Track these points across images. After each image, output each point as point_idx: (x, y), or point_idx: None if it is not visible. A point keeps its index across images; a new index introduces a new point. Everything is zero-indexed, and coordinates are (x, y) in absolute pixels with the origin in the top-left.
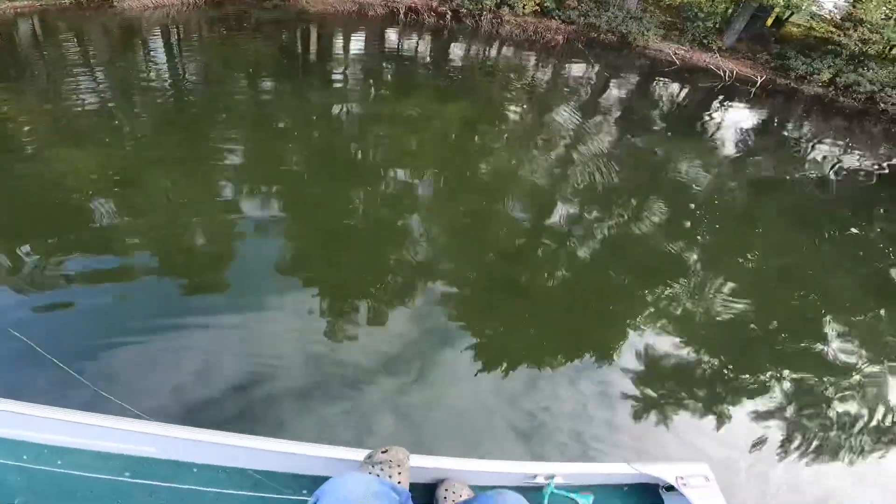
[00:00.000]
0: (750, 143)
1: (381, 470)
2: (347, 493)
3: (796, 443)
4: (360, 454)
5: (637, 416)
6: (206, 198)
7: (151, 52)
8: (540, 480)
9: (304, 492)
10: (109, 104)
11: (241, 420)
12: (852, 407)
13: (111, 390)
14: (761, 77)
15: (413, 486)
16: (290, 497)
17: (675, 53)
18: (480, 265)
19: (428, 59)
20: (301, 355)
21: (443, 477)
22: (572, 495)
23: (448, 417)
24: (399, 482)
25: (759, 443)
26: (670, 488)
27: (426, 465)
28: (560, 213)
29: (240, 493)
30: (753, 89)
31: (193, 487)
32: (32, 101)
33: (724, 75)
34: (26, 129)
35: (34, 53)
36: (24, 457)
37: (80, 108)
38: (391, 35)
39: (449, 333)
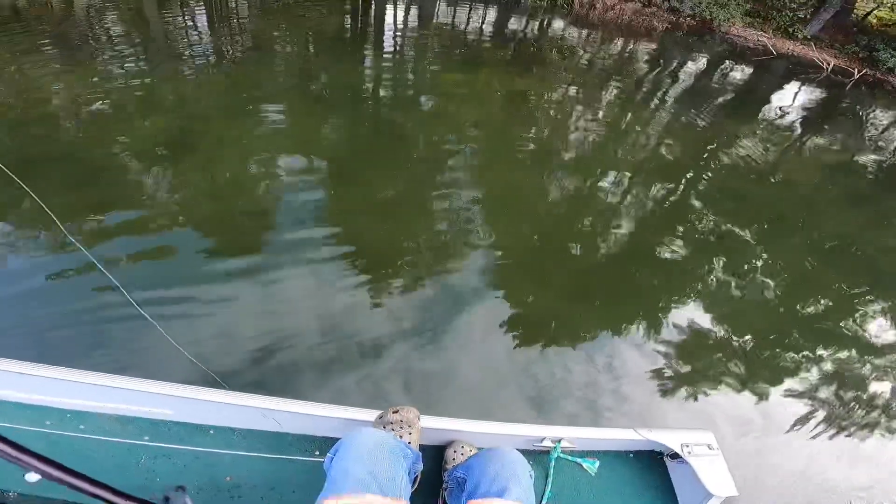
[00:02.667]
0: (851, 135)
1: (393, 430)
2: (364, 445)
3: (806, 422)
4: (371, 414)
5: (656, 389)
6: (253, 161)
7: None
8: (547, 444)
9: (317, 453)
10: (169, 73)
11: (263, 385)
12: (877, 388)
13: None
14: (859, 70)
15: (422, 448)
16: (303, 458)
17: (759, 41)
18: (526, 235)
19: (508, 36)
20: (327, 319)
21: (452, 439)
22: (578, 460)
23: (480, 386)
24: (409, 442)
25: (769, 418)
26: (675, 456)
27: (436, 426)
28: (620, 189)
29: (254, 454)
30: (850, 81)
31: (210, 450)
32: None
33: (826, 67)
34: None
35: (84, 25)
36: (48, 422)
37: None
38: (487, 12)
39: (484, 302)
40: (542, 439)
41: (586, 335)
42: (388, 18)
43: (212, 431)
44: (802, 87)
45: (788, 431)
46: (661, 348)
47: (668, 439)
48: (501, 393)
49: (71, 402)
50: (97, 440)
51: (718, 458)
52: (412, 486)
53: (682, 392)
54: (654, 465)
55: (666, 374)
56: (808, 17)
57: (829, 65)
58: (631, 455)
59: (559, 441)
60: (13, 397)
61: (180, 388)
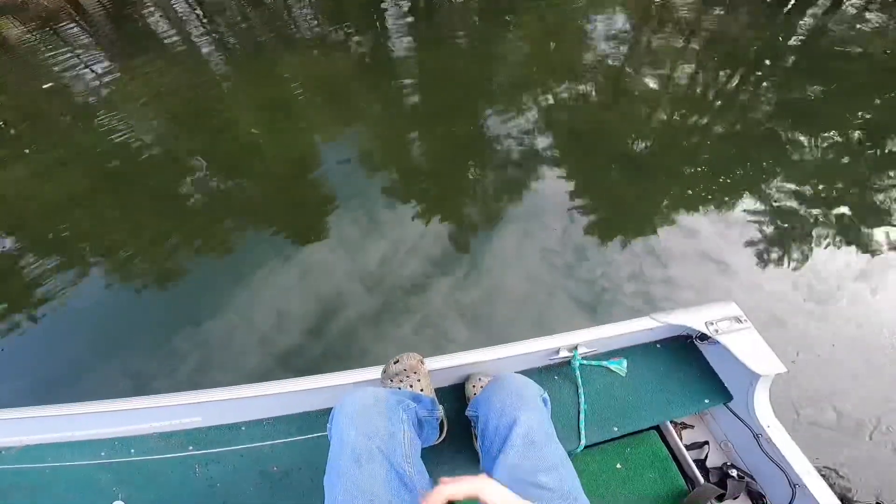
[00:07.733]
0: None
1: (401, 381)
2: (354, 408)
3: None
4: (377, 372)
5: (707, 270)
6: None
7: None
8: (564, 354)
9: None
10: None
11: (324, 359)
12: None
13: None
14: None
15: (441, 391)
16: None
17: None
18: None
19: None
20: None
21: (467, 373)
22: (604, 363)
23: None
24: (421, 389)
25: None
26: (704, 337)
27: (445, 364)
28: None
29: (288, 440)
30: None
31: (249, 445)
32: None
33: None
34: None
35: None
36: (102, 453)
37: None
38: None
39: (526, 223)
40: (557, 350)
41: (633, 231)
42: None
43: (244, 428)
44: None
45: (834, 300)
46: (713, 230)
47: (690, 319)
48: (555, 304)
49: (114, 431)
50: (152, 460)
51: (751, 332)
52: (440, 434)
53: (731, 271)
54: (686, 350)
55: (715, 256)
56: None
57: None
58: (658, 345)
59: (575, 348)
60: (66, 438)
61: (199, 395)
